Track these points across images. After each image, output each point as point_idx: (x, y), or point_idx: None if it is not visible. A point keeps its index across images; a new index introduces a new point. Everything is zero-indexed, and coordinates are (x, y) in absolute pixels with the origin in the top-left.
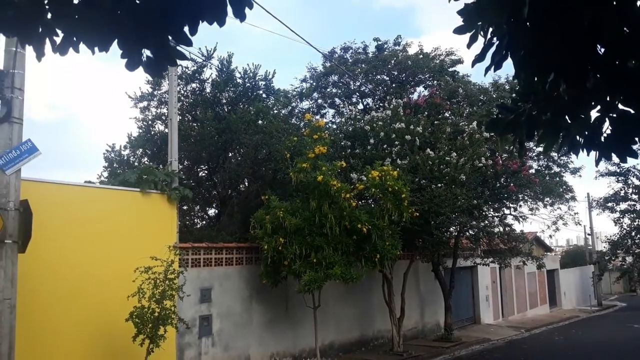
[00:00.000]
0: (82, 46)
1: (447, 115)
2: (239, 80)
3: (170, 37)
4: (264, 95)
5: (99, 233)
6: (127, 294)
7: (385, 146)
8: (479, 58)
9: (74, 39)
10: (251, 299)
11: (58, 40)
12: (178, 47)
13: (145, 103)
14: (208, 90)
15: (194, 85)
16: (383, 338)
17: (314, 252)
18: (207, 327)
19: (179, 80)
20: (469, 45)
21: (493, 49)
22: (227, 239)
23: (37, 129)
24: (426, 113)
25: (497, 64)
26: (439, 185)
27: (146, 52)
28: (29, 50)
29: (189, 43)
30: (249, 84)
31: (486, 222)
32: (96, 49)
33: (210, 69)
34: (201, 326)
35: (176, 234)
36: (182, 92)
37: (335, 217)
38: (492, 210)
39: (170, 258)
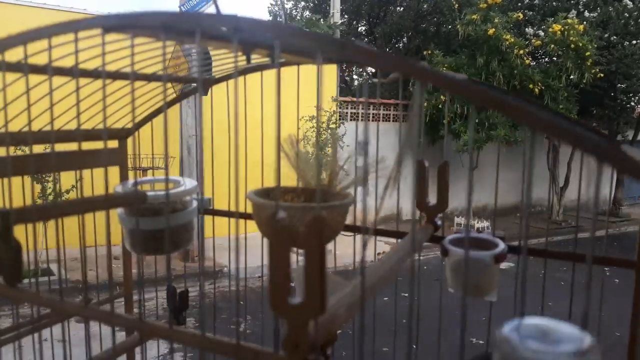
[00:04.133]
0: None
1: None
2: None
3: None
4: None
5: (269, 80)
6: None
7: None
8: None
9: None
10: (406, 156)
11: None
12: None
13: None
14: None
15: None
16: (541, 206)
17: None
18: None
19: None
20: None
21: None
22: (384, 95)
23: None
24: None
25: None
26: (634, 42)
27: None
28: None
29: None
30: None
31: None
32: None
33: None
34: None
35: (336, 87)
36: None
37: (504, 75)
38: None
39: (332, 109)
